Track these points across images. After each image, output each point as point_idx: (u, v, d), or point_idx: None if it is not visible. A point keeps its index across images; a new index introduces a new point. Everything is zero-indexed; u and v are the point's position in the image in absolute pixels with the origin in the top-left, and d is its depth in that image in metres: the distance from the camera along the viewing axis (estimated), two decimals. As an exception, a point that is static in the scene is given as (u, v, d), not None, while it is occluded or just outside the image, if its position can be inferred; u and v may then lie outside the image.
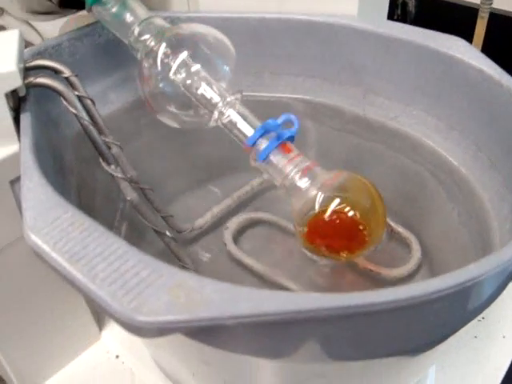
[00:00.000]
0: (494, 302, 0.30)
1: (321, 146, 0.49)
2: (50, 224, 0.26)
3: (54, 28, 0.53)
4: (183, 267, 0.41)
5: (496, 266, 0.23)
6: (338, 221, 0.34)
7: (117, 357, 0.45)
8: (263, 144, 0.36)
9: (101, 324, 0.46)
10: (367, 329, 0.24)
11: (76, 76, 0.37)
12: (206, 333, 0.23)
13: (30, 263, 0.34)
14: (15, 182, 0.35)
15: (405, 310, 0.23)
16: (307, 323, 0.23)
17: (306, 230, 0.35)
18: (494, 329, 0.47)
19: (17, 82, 0.34)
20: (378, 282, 0.43)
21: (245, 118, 0.37)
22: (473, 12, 0.85)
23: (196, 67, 0.38)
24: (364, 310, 0.22)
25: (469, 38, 0.85)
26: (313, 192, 0.35)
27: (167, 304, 0.22)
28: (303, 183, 0.35)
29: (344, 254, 0.36)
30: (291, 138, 0.37)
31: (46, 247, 0.25)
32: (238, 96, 0.38)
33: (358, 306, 0.22)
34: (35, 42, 0.62)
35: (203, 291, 0.22)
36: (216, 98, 0.37)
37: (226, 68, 0.38)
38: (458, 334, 0.29)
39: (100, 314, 0.46)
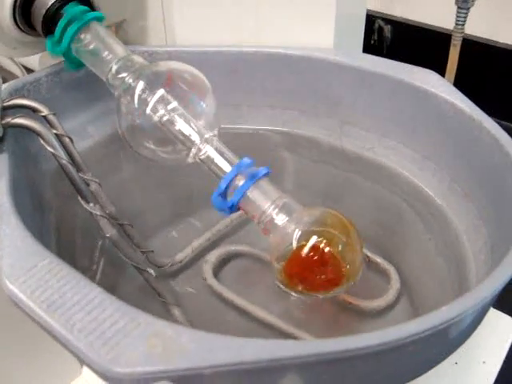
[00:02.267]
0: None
1: (299, 177, 0.49)
2: (27, 272, 0.26)
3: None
4: (164, 303, 0.41)
5: (466, 308, 0.24)
6: (315, 257, 0.34)
7: (98, 392, 0.45)
8: (240, 182, 0.36)
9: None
10: (342, 371, 0.25)
11: (54, 114, 0.37)
12: (187, 379, 0.23)
13: (8, 301, 0.34)
14: (-8, 222, 0.35)
15: (379, 354, 0.23)
16: (283, 369, 0.23)
17: (283, 266, 0.36)
18: (474, 355, 0.48)
19: (-6, 124, 0.34)
20: (358, 313, 0.43)
21: (222, 154, 0.37)
22: (447, 36, 0.87)
23: (173, 104, 0.38)
24: (338, 356, 0.22)
25: (443, 61, 0.87)
26: (290, 229, 0.35)
27: (144, 354, 0.22)
28: (280, 220, 0.36)
29: (321, 292, 0.36)
30: (267, 175, 0.37)
31: (23, 296, 0.25)
32: (216, 132, 0.38)
33: (332, 352, 0.22)
34: (16, 71, 0.62)
35: (180, 340, 0.22)
36: (194, 135, 0.37)
37: (203, 104, 0.39)
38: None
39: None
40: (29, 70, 0.61)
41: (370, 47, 1.07)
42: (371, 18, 1.06)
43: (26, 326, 0.39)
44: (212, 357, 0.22)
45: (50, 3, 0.39)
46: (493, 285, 0.25)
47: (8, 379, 0.41)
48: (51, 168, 0.41)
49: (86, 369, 0.46)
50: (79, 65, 0.42)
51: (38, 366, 0.43)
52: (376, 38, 1.07)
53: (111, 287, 0.44)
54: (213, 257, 0.47)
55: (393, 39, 1.05)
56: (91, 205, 0.38)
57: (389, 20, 1.06)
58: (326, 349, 0.22)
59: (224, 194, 0.37)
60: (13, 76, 0.61)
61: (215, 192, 0.36)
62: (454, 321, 0.23)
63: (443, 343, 0.27)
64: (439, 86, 0.40)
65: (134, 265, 0.39)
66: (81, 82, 0.44)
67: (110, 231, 0.38)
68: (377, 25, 1.06)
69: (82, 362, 0.23)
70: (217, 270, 0.47)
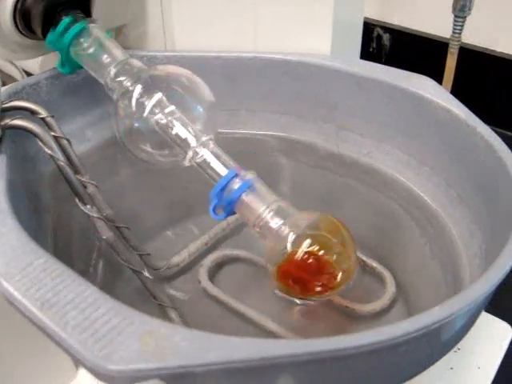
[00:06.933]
0: (469, 333, 0.31)
1: (296, 182, 0.49)
2: (23, 270, 0.26)
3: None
4: (160, 305, 0.41)
5: (459, 308, 0.24)
6: (309, 261, 0.35)
7: (93, 395, 0.45)
8: (235, 185, 0.36)
9: (77, 362, 0.46)
10: (335, 371, 0.25)
11: (52, 117, 0.38)
12: (179, 378, 0.23)
13: (2, 302, 0.34)
14: (-11, 222, 0.35)
15: (372, 353, 0.23)
16: (276, 368, 0.23)
17: (278, 270, 0.36)
18: (470, 360, 0.48)
19: (-8, 125, 0.34)
20: (353, 317, 0.43)
21: (218, 158, 0.38)
22: (444, 45, 0.87)
23: (171, 108, 0.38)
24: (329, 355, 0.22)
25: (440, 69, 0.88)
26: (284, 232, 0.36)
27: (137, 352, 0.22)
28: (275, 223, 0.36)
29: (315, 295, 0.36)
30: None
31: (17, 294, 0.25)
32: (212, 136, 0.38)
33: (323, 351, 0.22)
34: (16, 75, 0.63)
35: (173, 339, 0.22)
36: (190, 138, 0.38)
37: (200, 109, 0.39)
38: (433, 365, 0.29)
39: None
40: (29, 74, 0.61)
41: (368, 55, 1.08)
42: (370, 27, 1.07)
43: (20, 329, 0.39)
44: (204, 355, 0.22)
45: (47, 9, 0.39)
46: (484, 286, 0.25)
47: (2, 381, 0.41)
48: (48, 170, 0.41)
49: (81, 372, 0.46)
50: (75, 68, 0.42)
51: (33, 369, 0.42)
52: (375, 46, 1.08)
53: (108, 289, 0.44)
54: (208, 261, 0.47)
55: (391, 47, 1.07)
56: (88, 207, 0.38)
57: (387, 28, 1.07)
58: (317, 348, 0.22)
59: (220, 197, 0.37)
60: (12, 79, 0.61)
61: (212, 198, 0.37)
62: (446, 320, 0.23)
63: (436, 344, 0.27)
64: (435, 93, 0.40)
65: (131, 267, 0.40)
66: (80, 86, 0.45)
67: (106, 233, 0.39)
68: (375, 33, 1.07)
69: (75, 359, 0.23)
70: (212, 274, 0.47)
